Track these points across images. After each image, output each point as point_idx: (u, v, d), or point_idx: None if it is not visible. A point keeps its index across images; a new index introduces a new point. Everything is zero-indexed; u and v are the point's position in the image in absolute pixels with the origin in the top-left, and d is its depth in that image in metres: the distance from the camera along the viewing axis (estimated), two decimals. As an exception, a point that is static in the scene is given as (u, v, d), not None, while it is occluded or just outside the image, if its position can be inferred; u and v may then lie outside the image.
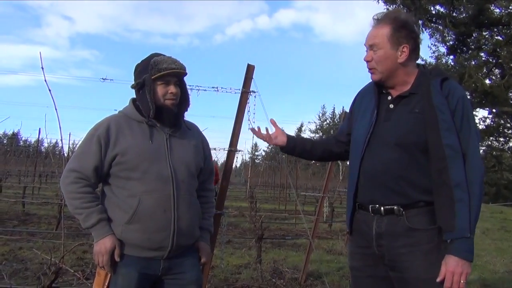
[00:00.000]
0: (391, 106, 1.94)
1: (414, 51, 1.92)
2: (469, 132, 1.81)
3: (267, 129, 2.28)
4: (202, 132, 2.40)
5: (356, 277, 2.04)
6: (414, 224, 1.81)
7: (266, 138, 2.27)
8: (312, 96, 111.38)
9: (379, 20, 1.94)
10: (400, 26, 1.89)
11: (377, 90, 2.00)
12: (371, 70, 1.96)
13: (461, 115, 1.81)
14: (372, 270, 1.95)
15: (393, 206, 1.85)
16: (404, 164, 1.84)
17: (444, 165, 1.75)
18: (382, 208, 1.87)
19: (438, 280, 1.73)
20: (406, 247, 1.82)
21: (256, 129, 2.30)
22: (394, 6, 18.95)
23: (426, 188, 1.81)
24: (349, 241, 2.10)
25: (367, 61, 1.96)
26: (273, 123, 2.31)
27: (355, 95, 2.19)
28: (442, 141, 1.76)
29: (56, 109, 3.08)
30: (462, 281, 1.70)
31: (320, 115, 69.81)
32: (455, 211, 1.72)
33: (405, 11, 18.88)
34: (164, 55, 2.13)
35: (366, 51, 1.96)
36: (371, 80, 2.03)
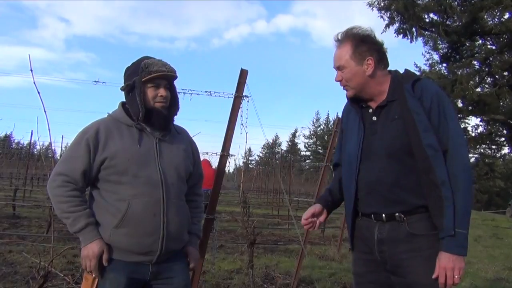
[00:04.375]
0: (374, 118, 1.96)
1: (380, 61, 1.95)
2: (447, 127, 1.81)
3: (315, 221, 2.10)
4: (194, 136, 2.39)
5: (358, 283, 2.05)
6: (415, 230, 1.83)
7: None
8: (307, 102, 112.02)
9: (341, 40, 1.97)
10: (360, 41, 1.92)
11: (356, 106, 2.02)
12: (344, 87, 2.00)
13: (437, 112, 1.83)
14: (374, 276, 1.97)
15: (394, 213, 1.87)
16: (395, 171, 1.85)
17: (428, 165, 1.77)
18: (384, 215, 1.89)
19: (433, 277, 1.75)
20: (408, 252, 1.83)
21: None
22: (387, 13, 19.14)
23: (422, 192, 1.82)
24: (353, 247, 2.08)
25: (338, 81, 2.00)
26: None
27: (341, 113, 2.21)
28: (422, 142, 1.78)
29: (45, 111, 3.07)
30: (456, 276, 1.73)
31: (314, 120, 70.27)
32: (443, 209, 1.74)
33: (399, 18, 19.13)
34: (154, 58, 2.12)
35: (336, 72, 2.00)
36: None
